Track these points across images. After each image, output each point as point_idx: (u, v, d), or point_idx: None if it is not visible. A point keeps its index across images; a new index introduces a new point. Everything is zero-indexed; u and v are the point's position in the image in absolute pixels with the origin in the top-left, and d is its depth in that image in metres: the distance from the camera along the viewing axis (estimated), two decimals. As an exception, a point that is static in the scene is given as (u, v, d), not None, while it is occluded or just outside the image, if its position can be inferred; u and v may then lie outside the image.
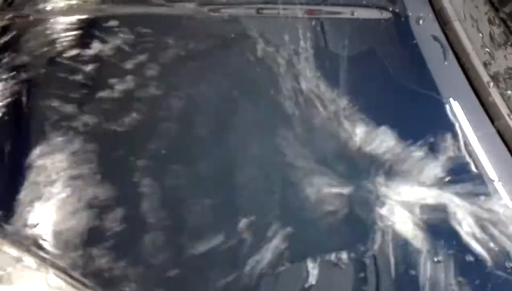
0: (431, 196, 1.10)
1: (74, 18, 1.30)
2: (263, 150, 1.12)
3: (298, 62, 1.24)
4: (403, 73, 1.26)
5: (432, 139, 1.16)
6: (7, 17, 1.35)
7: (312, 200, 1.06)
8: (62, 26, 1.29)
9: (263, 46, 1.26)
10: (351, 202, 1.06)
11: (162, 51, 1.23)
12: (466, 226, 1.07)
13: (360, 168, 1.11)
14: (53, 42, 1.26)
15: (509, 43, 1.35)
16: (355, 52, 1.27)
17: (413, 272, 1.01)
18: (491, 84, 1.20)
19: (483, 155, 1.15)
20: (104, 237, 1.01)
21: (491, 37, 1.34)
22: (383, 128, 1.15)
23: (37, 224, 1.02)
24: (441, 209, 1.09)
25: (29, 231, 1.01)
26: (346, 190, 1.08)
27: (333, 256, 1.01)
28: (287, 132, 1.14)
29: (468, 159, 1.15)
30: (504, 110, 1.17)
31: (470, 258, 1.03)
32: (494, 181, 1.13)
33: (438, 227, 1.07)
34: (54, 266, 0.98)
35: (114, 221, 1.03)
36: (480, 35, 1.32)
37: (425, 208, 1.08)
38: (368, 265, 1.01)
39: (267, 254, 1.00)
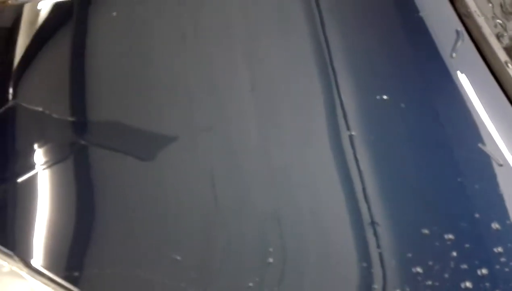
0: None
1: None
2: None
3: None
4: (408, 46, 1.18)
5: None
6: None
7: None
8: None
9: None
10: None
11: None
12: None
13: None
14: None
15: (521, 13, 1.27)
16: (356, 27, 1.19)
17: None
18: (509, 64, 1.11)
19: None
20: (92, 242, 0.96)
21: (502, 7, 1.26)
22: None
23: (22, 230, 0.98)
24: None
25: (13, 237, 0.97)
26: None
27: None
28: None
29: None
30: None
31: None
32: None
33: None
34: (39, 273, 0.93)
35: (103, 227, 0.98)
36: (490, 5, 1.24)
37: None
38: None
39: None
